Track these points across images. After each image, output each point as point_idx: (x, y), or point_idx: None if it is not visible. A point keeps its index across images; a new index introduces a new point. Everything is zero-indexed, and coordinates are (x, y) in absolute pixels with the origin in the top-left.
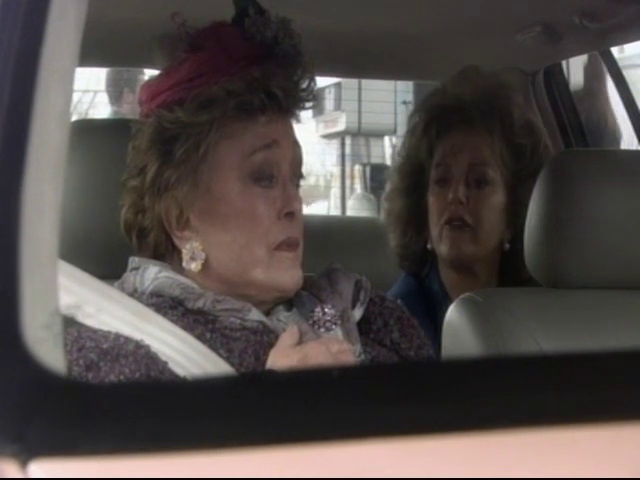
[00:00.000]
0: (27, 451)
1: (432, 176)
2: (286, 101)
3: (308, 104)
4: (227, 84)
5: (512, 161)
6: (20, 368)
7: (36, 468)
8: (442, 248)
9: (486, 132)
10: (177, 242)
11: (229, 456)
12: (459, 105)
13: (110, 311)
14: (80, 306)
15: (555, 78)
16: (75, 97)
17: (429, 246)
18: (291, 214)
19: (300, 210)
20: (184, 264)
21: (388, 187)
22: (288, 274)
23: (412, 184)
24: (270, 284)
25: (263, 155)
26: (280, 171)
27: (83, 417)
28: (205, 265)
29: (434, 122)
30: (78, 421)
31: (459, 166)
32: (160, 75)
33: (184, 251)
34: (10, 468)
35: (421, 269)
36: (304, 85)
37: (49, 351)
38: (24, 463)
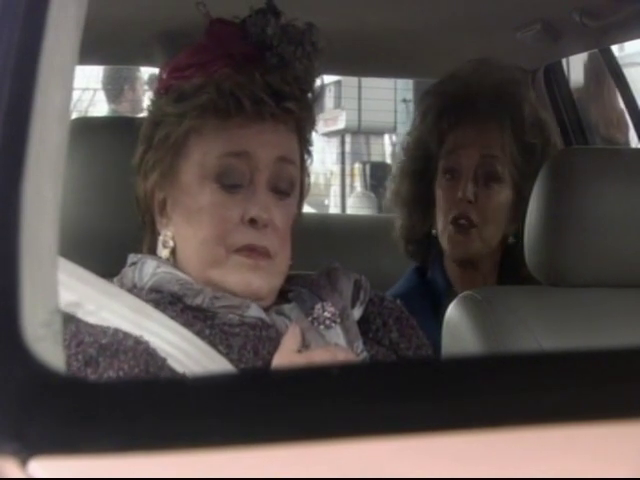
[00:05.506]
0: (27, 449)
1: (441, 165)
2: (259, 107)
3: (295, 112)
4: (200, 80)
5: (522, 160)
6: (20, 366)
7: (36, 466)
8: (447, 245)
9: (497, 128)
10: (158, 227)
11: (230, 454)
12: (470, 97)
13: (110, 308)
14: (80, 303)
15: (555, 76)
16: (75, 95)
17: (434, 231)
18: (254, 221)
19: (271, 220)
20: (157, 250)
21: (396, 168)
22: (242, 279)
23: (420, 169)
24: (223, 286)
25: (229, 162)
26: (252, 181)
27: (83, 415)
28: (174, 255)
29: (445, 112)
30: (78, 419)
31: (470, 158)
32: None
33: (160, 237)
34: (10, 466)
35: (425, 255)
36: (293, 93)
37: (49, 349)
38: (24, 461)
